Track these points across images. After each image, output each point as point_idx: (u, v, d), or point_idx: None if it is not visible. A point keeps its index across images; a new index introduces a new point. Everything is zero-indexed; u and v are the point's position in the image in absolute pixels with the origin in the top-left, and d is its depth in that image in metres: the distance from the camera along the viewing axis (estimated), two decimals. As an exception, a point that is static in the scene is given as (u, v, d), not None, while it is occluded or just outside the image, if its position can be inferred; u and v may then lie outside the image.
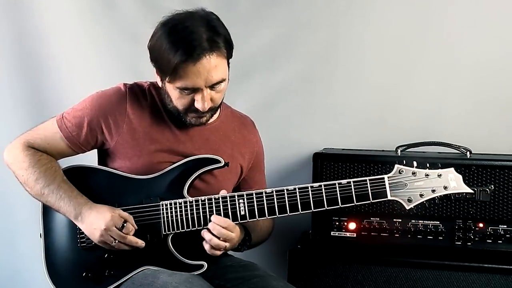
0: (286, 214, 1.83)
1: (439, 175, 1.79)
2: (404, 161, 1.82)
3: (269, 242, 2.18)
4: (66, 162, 1.96)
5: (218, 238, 1.80)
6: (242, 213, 1.83)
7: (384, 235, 2.21)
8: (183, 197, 1.86)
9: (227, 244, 1.82)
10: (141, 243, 1.83)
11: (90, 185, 1.91)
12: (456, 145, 2.28)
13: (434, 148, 2.34)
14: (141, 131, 1.91)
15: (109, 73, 2.69)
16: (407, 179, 1.80)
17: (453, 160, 2.15)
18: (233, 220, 1.83)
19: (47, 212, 1.93)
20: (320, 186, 1.82)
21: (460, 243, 2.16)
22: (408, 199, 1.79)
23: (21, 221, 2.83)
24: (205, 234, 1.82)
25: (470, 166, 2.14)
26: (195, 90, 1.80)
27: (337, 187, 1.81)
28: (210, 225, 1.81)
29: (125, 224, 1.80)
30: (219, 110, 1.97)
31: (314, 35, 2.60)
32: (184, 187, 1.87)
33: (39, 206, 1.94)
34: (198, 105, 1.82)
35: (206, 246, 1.82)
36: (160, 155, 1.91)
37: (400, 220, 2.20)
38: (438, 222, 2.17)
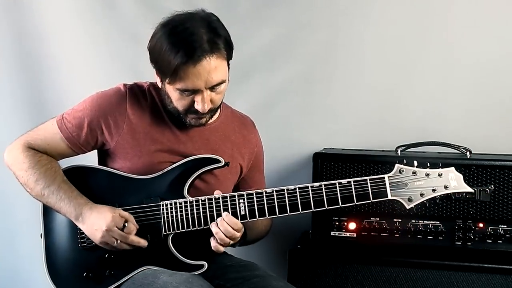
0: (286, 214, 1.82)
1: (440, 175, 1.79)
2: (405, 161, 1.81)
3: (269, 242, 2.18)
4: (66, 162, 1.96)
5: (224, 234, 1.81)
6: (242, 213, 1.83)
7: (384, 235, 2.21)
8: (183, 197, 1.86)
9: (231, 241, 1.83)
10: (143, 242, 1.83)
11: (91, 185, 1.91)
12: (456, 145, 2.28)
13: (434, 148, 2.34)
14: (141, 132, 1.91)
15: (109, 73, 2.69)
16: (408, 178, 1.80)
17: (453, 160, 2.15)
18: (233, 220, 1.84)
19: (47, 212, 1.93)
20: (321, 185, 1.82)
21: (460, 243, 2.16)
22: (408, 199, 1.79)
23: (21, 222, 2.83)
24: (213, 226, 1.82)
25: (470, 166, 2.14)
26: (195, 91, 1.80)
27: (338, 187, 1.81)
28: (218, 220, 1.82)
29: (126, 224, 1.80)
30: (219, 111, 1.97)
31: (314, 36, 2.61)
32: (184, 187, 1.87)
33: (39, 206, 1.94)
34: (198, 106, 1.82)
35: (213, 242, 1.83)
36: (161, 155, 1.91)
37: (400, 220, 2.20)
38: (438, 222, 2.17)
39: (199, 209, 1.84)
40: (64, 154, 1.95)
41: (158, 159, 1.90)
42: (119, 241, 1.80)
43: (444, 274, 2.13)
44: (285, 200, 1.82)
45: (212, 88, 1.80)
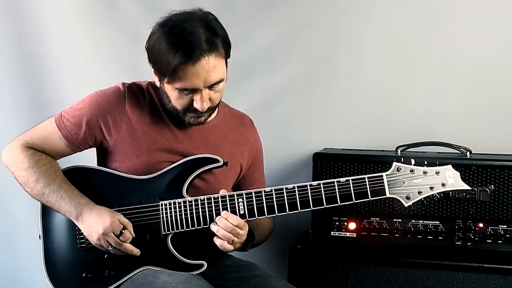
0: (286, 213, 1.83)
1: (437, 172, 1.80)
2: (402, 159, 1.82)
3: (269, 242, 2.17)
4: (66, 162, 1.96)
5: (225, 230, 1.80)
6: (242, 212, 1.83)
7: (384, 235, 2.21)
8: (183, 196, 1.86)
9: (235, 239, 1.82)
10: (136, 251, 1.83)
11: (90, 186, 1.91)
12: (456, 145, 2.28)
13: (434, 148, 2.34)
14: (140, 131, 1.91)
15: (109, 73, 2.69)
16: (405, 176, 1.80)
17: (453, 160, 2.15)
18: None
19: (46, 212, 1.93)
20: (319, 184, 1.82)
21: (460, 243, 2.16)
22: (406, 197, 1.80)
23: (21, 222, 2.83)
24: (212, 226, 1.82)
25: (470, 166, 2.14)
26: (194, 90, 1.80)
27: (336, 185, 1.81)
28: (217, 219, 1.82)
29: (123, 231, 1.80)
30: (217, 109, 1.98)
31: (314, 36, 2.60)
32: (183, 187, 1.87)
33: (39, 206, 1.94)
34: (197, 105, 1.82)
35: (217, 241, 1.82)
36: (159, 154, 1.91)
37: (400, 220, 2.19)
38: (438, 222, 2.17)
39: (198, 208, 1.84)
40: (63, 153, 1.94)
41: (157, 158, 1.90)
42: (113, 247, 1.80)
43: (444, 274, 2.13)
44: (284, 199, 1.82)
45: (211, 87, 1.81)
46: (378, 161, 2.21)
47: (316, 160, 2.27)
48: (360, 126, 2.58)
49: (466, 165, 2.14)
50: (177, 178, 1.88)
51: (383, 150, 2.44)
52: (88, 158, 2.01)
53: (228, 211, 1.83)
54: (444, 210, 2.17)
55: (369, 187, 1.80)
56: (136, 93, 1.94)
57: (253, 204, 1.83)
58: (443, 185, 1.79)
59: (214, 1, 2.42)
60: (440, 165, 1.81)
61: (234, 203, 1.83)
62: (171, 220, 1.85)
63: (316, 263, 2.23)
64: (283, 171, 2.62)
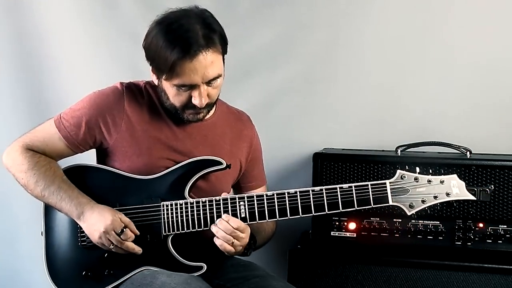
0: (287, 217, 1.82)
1: (442, 181, 1.77)
2: (407, 167, 1.80)
3: (269, 242, 2.18)
4: (66, 162, 1.95)
5: (224, 232, 1.80)
6: (243, 215, 1.83)
7: (384, 235, 2.21)
8: (184, 198, 1.86)
9: (235, 241, 1.81)
10: (138, 250, 1.82)
11: (92, 185, 1.91)
12: (456, 145, 2.28)
13: (434, 148, 2.34)
14: (139, 129, 1.91)
15: (109, 73, 2.68)
16: (409, 185, 1.78)
17: (453, 160, 2.16)
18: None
19: (48, 210, 1.93)
20: (321, 190, 1.81)
21: (460, 243, 2.16)
22: (409, 205, 1.78)
23: (21, 222, 2.83)
24: (212, 227, 1.82)
25: (470, 166, 2.14)
26: (192, 86, 1.80)
27: (339, 191, 1.80)
28: (217, 221, 1.82)
29: (124, 230, 1.80)
30: (215, 106, 1.98)
31: (314, 35, 2.60)
32: (185, 189, 1.87)
33: (39, 206, 1.94)
34: (195, 101, 1.82)
35: (217, 241, 1.82)
36: (159, 152, 1.91)
37: (400, 220, 2.19)
38: (438, 222, 2.17)
39: (199, 210, 1.84)
40: (63, 154, 1.94)
41: (156, 156, 1.90)
42: (114, 245, 1.81)
43: (444, 274, 2.13)
44: (286, 204, 1.82)
45: (208, 83, 1.81)
46: (378, 161, 2.21)
47: (316, 160, 2.27)
48: (360, 126, 2.58)
49: (466, 165, 2.14)
50: (180, 179, 1.88)
51: (383, 150, 2.44)
52: (88, 158, 2.01)
53: (229, 213, 1.83)
54: (444, 210, 2.16)
55: (372, 195, 1.79)
56: (134, 92, 1.94)
57: (254, 208, 1.83)
58: (447, 194, 1.77)
59: (214, 1, 2.41)
60: (443, 170, 1.79)
61: (236, 206, 1.83)
62: (172, 221, 1.85)
63: (316, 263, 2.23)
64: (283, 171, 2.62)
